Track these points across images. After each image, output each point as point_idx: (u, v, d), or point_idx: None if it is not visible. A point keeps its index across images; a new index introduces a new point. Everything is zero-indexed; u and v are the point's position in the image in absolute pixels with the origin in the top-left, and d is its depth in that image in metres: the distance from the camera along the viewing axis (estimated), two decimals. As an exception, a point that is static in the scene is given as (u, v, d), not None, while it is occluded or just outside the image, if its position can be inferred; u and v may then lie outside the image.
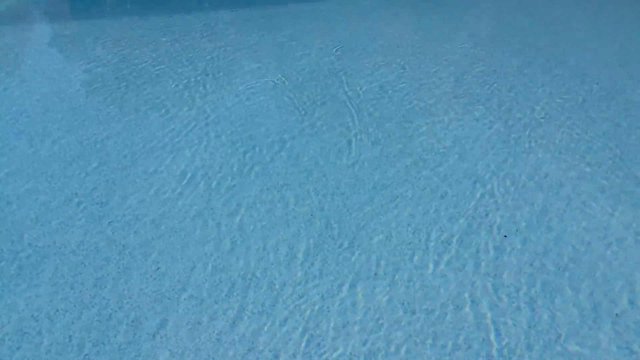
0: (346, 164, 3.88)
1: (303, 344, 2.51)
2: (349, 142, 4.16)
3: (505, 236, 3.17)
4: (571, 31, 6.44)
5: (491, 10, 7.53)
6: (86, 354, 2.48)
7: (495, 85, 5.04)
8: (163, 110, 4.73)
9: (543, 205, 3.40)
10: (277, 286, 2.84)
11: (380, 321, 2.61)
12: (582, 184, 3.59)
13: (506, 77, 5.21)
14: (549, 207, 3.38)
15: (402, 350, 2.46)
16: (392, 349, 2.47)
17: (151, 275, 2.92)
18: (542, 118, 4.41)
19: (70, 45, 6.74)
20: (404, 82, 5.13)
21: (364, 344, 2.50)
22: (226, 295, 2.79)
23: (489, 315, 2.63)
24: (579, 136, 4.13)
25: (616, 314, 2.62)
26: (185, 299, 2.77)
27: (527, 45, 6.00)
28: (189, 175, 3.81)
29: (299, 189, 3.62)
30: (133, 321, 2.64)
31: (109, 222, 3.34)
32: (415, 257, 3.00)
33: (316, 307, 2.70)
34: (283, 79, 5.30)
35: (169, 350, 2.50)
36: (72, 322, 2.63)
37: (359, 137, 4.22)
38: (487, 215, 3.33)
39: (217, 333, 2.58)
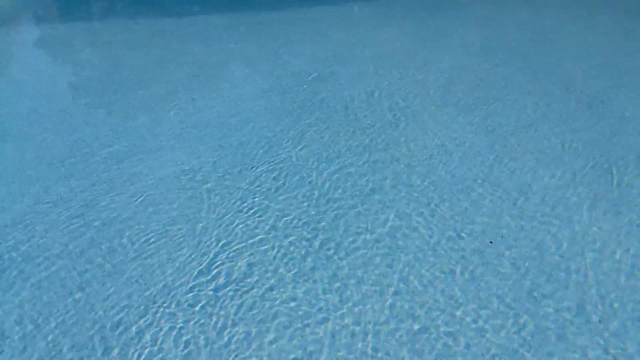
0: (334, 169, 3.89)
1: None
2: (337, 147, 4.18)
3: (492, 242, 3.19)
4: (559, 42, 6.53)
5: (481, 20, 7.61)
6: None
7: (482, 93, 5.09)
8: (151, 114, 4.72)
9: (528, 212, 3.43)
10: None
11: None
12: (566, 191, 3.63)
13: (493, 86, 5.26)
14: (534, 214, 3.42)
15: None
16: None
17: (137, 282, 2.90)
18: (527, 126, 4.47)
19: (59, 47, 6.70)
20: (392, 90, 5.17)
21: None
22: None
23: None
24: (563, 144, 4.18)
25: (599, 320, 2.65)
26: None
27: (515, 55, 6.08)
28: (175, 177, 3.79)
29: (284, 195, 3.62)
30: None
31: (95, 225, 3.32)
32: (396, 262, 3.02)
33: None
34: (273, 84, 5.32)
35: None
36: None
37: (347, 143, 4.24)
38: (472, 222, 3.36)
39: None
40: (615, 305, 2.74)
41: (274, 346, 2.53)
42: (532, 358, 2.46)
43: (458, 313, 2.70)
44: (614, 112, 4.68)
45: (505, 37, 6.82)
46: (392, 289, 2.85)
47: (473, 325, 2.63)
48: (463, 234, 3.24)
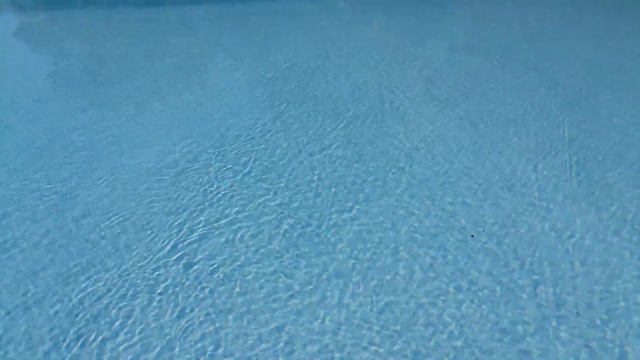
0: (320, 162, 3.87)
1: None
2: (322, 141, 4.16)
3: (473, 236, 3.21)
4: (543, 40, 6.59)
5: (467, 18, 7.64)
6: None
7: (466, 88, 5.11)
8: (132, 105, 4.64)
9: (508, 206, 3.45)
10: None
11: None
12: (546, 185, 3.66)
13: (478, 81, 5.29)
14: (514, 207, 3.44)
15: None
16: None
17: (118, 276, 2.86)
18: (510, 121, 4.49)
19: (39, 36, 6.56)
20: (378, 84, 5.16)
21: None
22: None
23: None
24: (545, 140, 4.22)
25: (577, 313, 2.68)
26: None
27: (500, 51, 6.11)
28: (157, 170, 3.74)
29: (268, 186, 3.59)
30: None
31: (73, 216, 3.26)
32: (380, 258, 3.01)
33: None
34: (257, 77, 5.27)
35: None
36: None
37: (332, 135, 4.22)
38: (454, 215, 3.37)
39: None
40: (593, 297, 2.78)
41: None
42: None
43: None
44: (595, 108, 4.73)
45: (490, 33, 6.86)
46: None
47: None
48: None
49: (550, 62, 5.79)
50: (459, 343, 2.50)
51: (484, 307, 2.71)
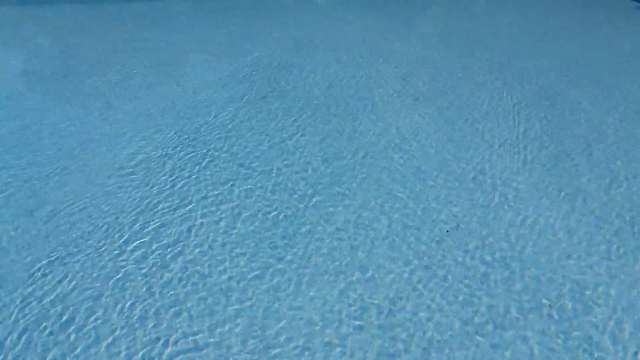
0: (295, 158, 3.86)
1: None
2: (296, 137, 4.14)
3: (448, 231, 3.24)
4: (514, 37, 6.69)
5: (441, 15, 7.71)
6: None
7: (440, 84, 5.16)
8: (104, 102, 4.54)
9: (483, 200, 3.50)
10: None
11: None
12: (518, 178, 3.72)
13: (451, 77, 5.35)
14: (489, 202, 3.49)
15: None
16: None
17: (95, 275, 2.80)
18: (483, 116, 4.56)
19: (8, 32, 6.37)
20: (354, 79, 5.17)
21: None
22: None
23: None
24: (517, 135, 4.29)
25: (549, 305, 2.73)
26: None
27: (472, 48, 6.19)
28: (129, 168, 3.67)
29: (243, 184, 3.57)
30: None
31: (41, 216, 3.17)
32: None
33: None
34: (232, 72, 5.22)
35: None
36: None
37: (307, 131, 4.21)
38: (428, 210, 3.40)
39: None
40: (564, 286, 2.83)
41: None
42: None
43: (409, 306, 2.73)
44: (565, 103, 4.83)
45: (464, 30, 6.94)
46: (342, 276, 2.86)
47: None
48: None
49: (523, 57, 5.90)
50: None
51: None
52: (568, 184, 3.71)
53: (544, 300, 2.74)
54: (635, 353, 2.47)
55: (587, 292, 2.79)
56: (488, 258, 3.02)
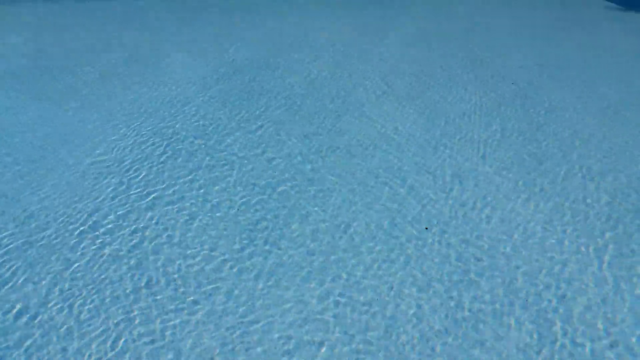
0: (275, 157, 3.83)
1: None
2: (278, 136, 4.12)
3: (427, 228, 3.25)
4: (493, 36, 6.77)
5: (422, 15, 7.75)
6: None
7: (421, 82, 5.19)
8: (79, 101, 4.45)
9: (462, 199, 3.52)
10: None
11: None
12: (496, 177, 3.76)
13: (431, 76, 5.38)
14: (467, 200, 3.52)
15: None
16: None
17: (67, 276, 2.74)
18: (463, 115, 4.59)
19: (-22, 29, 6.21)
20: (333, 78, 5.16)
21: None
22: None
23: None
24: (495, 132, 4.33)
25: (526, 300, 2.76)
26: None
27: (452, 47, 6.23)
28: (104, 167, 3.60)
29: (220, 184, 3.53)
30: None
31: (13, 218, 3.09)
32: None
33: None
34: (209, 71, 5.16)
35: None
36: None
37: (287, 131, 4.19)
38: (410, 207, 3.41)
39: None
40: (540, 282, 2.87)
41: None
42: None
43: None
44: (542, 102, 4.90)
45: (444, 29, 6.99)
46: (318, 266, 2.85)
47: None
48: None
49: (502, 57, 5.96)
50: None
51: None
52: (544, 180, 3.75)
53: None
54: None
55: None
56: (467, 252, 3.04)
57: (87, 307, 2.49)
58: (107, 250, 2.89)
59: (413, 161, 3.90)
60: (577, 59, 6.04)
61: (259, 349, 2.32)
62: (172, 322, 2.44)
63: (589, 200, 3.56)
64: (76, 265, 2.78)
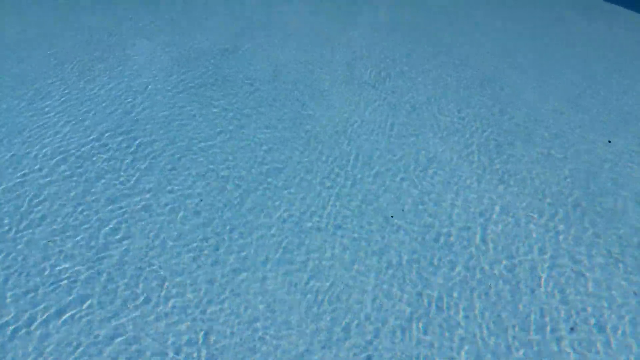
0: (237, 146, 3.77)
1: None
2: (241, 126, 4.04)
3: (392, 216, 3.27)
4: (458, 23, 6.80)
5: (390, 4, 7.72)
6: None
7: (386, 69, 5.18)
8: (32, 90, 4.25)
9: (427, 185, 3.55)
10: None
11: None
12: (460, 162, 3.81)
13: (396, 62, 5.37)
14: (432, 186, 3.55)
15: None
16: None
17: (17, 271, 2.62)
18: (426, 101, 4.61)
19: None
20: (298, 64, 5.09)
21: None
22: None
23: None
24: (458, 119, 4.38)
25: (489, 286, 2.81)
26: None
27: (417, 34, 6.23)
28: (57, 158, 3.46)
29: (184, 175, 3.45)
30: None
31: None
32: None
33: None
34: (172, 58, 5.01)
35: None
36: None
37: (251, 119, 4.11)
38: (375, 196, 3.41)
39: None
40: (503, 269, 2.92)
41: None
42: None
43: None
44: (504, 90, 4.97)
45: (410, 17, 6.98)
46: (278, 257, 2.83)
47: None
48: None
49: (465, 45, 6.00)
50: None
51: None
52: (504, 167, 3.82)
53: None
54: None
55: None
56: (429, 241, 3.06)
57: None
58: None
59: (377, 148, 3.90)
60: (541, 47, 6.14)
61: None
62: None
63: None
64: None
